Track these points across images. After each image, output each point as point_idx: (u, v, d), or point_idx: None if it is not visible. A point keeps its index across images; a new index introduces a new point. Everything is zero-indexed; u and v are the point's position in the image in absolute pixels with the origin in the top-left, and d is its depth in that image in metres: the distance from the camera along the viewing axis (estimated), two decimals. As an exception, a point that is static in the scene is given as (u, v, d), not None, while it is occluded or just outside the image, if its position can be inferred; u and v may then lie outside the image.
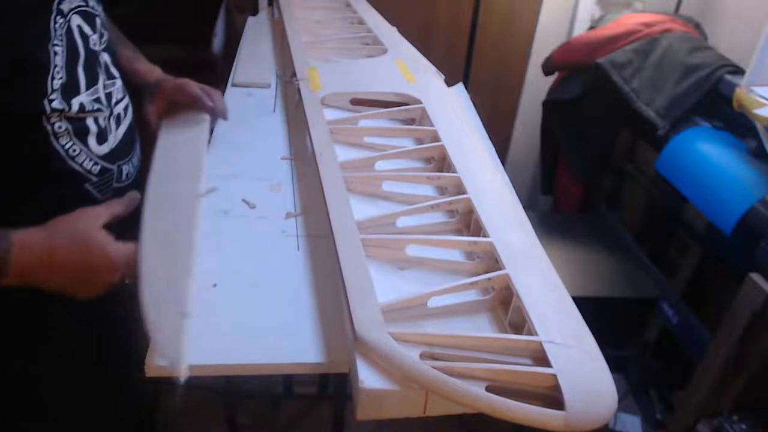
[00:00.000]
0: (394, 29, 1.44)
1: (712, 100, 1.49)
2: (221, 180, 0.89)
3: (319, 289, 0.71)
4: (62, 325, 0.82)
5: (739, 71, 1.47)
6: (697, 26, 1.77)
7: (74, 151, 0.76)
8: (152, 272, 0.65)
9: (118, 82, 0.86)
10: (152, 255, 0.67)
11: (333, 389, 1.80)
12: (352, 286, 0.63)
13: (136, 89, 0.95)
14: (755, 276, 1.14)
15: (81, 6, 0.76)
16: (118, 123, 0.84)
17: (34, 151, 0.72)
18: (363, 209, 0.78)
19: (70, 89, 0.73)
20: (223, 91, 1.21)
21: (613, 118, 1.80)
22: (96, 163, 0.79)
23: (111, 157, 0.82)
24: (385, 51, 1.28)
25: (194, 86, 0.97)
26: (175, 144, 0.91)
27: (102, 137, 0.80)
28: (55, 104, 0.70)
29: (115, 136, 0.83)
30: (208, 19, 1.99)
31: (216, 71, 1.93)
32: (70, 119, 0.73)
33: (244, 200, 0.86)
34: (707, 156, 1.40)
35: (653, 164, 1.55)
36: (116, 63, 0.87)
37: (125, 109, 0.88)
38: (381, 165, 0.89)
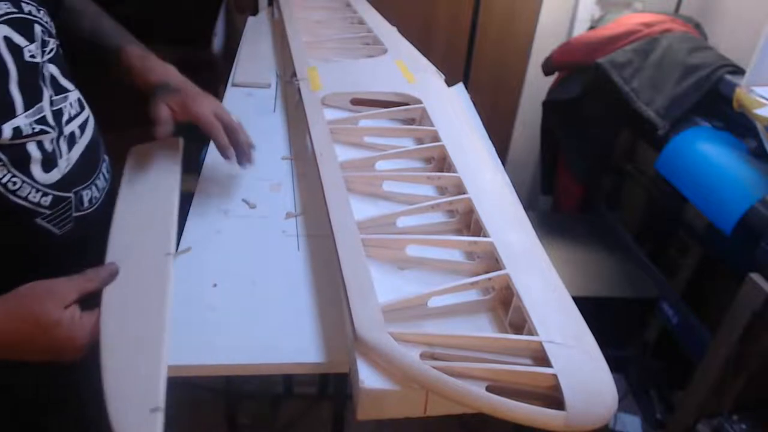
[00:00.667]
0: (394, 29, 1.44)
1: (712, 100, 1.50)
2: (221, 180, 0.89)
3: (319, 289, 0.71)
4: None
5: (739, 71, 1.47)
6: (697, 26, 1.77)
7: (14, 184, 0.65)
8: (114, 356, 0.57)
9: (72, 96, 0.76)
10: (114, 334, 0.59)
11: (333, 389, 1.80)
12: (352, 286, 0.63)
13: (142, 90, 0.86)
14: (755, 276, 1.14)
15: (11, 13, 0.65)
16: (71, 144, 0.74)
17: None
18: (363, 209, 0.78)
19: (0, 113, 0.63)
20: (223, 91, 1.22)
21: (613, 118, 1.80)
22: (45, 194, 0.69)
23: (64, 184, 0.71)
24: (385, 51, 1.28)
25: (206, 113, 0.82)
26: (145, 185, 0.80)
27: (49, 163, 0.69)
28: None
29: (68, 160, 0.73)
30: (208, 19, 1.99)
31: (216, 71, 1.93)
32: (3, 148, 0.63)
33: (244, 200, 0.86)
34: (707, 156, 1.40)
35: (653, 164, 1.55)
36: (69, 73, 0.77)
37: (82, 125, 0.77)
38: (381, 165, 0.89)
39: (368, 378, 0.54)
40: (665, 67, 1.57)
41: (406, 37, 1.39)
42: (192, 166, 0.95)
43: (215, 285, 0.70)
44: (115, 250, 0.69)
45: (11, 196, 0.65)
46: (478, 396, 0.52)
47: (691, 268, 1.63)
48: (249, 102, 1.17)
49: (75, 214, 0.74)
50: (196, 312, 0.66)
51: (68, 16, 0.86)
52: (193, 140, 0.97)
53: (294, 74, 1.13)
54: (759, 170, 1.30)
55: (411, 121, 1.05)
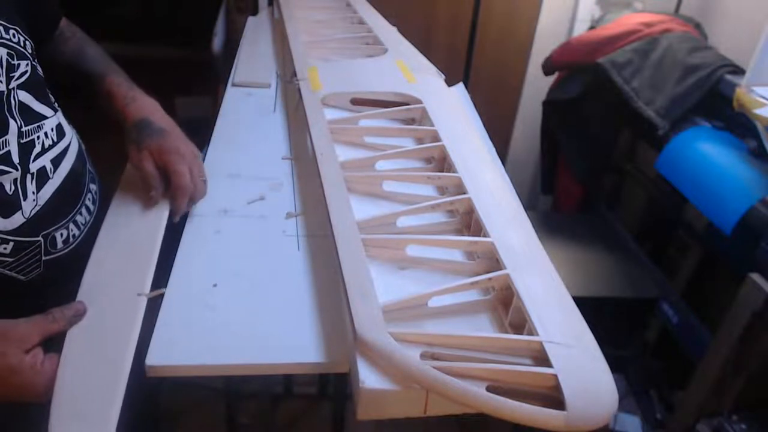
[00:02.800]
0: (394, 29, 1.44)
1: (712, 100, 1.50)
2: (221, 180, 0.89)
3: (319, 289, 0.71)
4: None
5: (739, 71, 1.47)
6: (697, 26, 1.77)
7: None
8: (65, 401, 0.54)
9: (49, 123, 0.68)
10: (69, 383, 0.55)
11: (333, 389, 1.80)
12: (352, 286, 0.63)
13: (119, 121, 0.79)
14: (755, 276, 1.14)
15: None
16: (42, 181, 0.66)
17: None
18: (363, 209, 0.78)
19: None
20: (223, 91, 1.22)
21: (613, 118, 1.80)
22: (5, 242, 0.62)
23: (30, 228, 0.65)
24: (385, 51, 1.28)
25: (185, 174, 0.75)
26: (129, 220, 0.75)
27: (9, 208, 0.62)
28: None
29: (36, 201, 0.65)
30: (208, 19, 2.00)
31: (216, 71, 1.93)
32: None
33: (249, 203, 0.84)
34: (707, 156, 1.40)
35: (653, 164, 1.55)
36: (48, 97, 0.71)
37: (57, 158, 0.69)
38: (381, 165, 0.89)
39: (368, 378, 0.54)
40: (665, 67, 1.57)
41: (406, 37, 1.39)
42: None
43: (215, 285, 0.70)
44: (88, 286, 0.65)
45: None
46: (478, 396, 0.52)
47: (691, 268, 1.63)
48: (249, 102, 1.17)
49: (45, 258, 0.67)
50: (196, 312, 0.67)
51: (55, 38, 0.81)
52: (193, 140, 0.97)
53: (294, 74, 1.13)
54: (759, 170, 1.30)
55: (411, 121, 1.05)
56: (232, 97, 1.18)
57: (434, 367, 0.54)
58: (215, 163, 0.94)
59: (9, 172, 0.61)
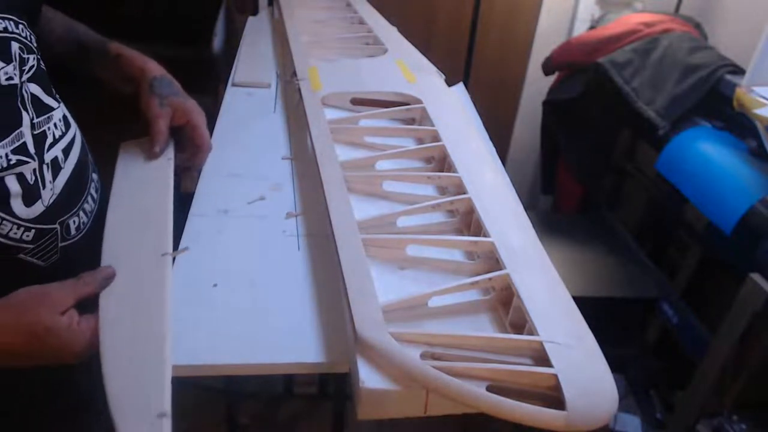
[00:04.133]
0: (394, 29, 1.44)
1: (713, 100, 1.50)
2: (221, 180, 0.89)
3: (319, 289, 0.71)
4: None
5: (739, 71, 1.47)
6: (697, 26, 1.77)
7: None
8: (116, 363, 0.55)
9: (57, 113, 0.71)
10: (114, 339, 0.57)
11: (333, 389, 1.80)
12: (352, 286, 0.63)
13: (131, 78, 0.82)
14: (755, 276, 1.14)
15: None
16: (56, 171, 0.69)
17: None
18: (363, 209, 0.78)
19: None
20: (223, 91, 1.21)
21: (613, 118, 1.80)
22: (28, 229, 0.64)
23: (49, 216, 0.67)
24: (385, 51, 1.28)
25: (206, 132, 0.84)
26: (137, 183, 0.77)
27: (31, 197, 0.64)
28: None
29: (53, 189, 0.68)
30: (208, 19, 2.00)
31: (216, 71, 1.93)
32: None
33: (249, 203, 0.84)
34: (707, 156, 1.40)
35: (653, 164, 1.55)
36: (52, 89, 0.73)
37: (67, 148, 0.72)
38: (381, 165, 0.89)
39: (368, 378, 0.54)
40: (665, 66, 1.57)
41: (406, 37, 1.39)
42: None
43: (215, 285, 0.70)
44: (110, 252, 0.66)
45: None
46: (479, 396, 0.52)
47: (691, 268, 1.63)
48: (249, 102, 1.17)
49: (61, 245, 0.70)
50: (196, 312, 0.66)
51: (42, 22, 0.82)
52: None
53: (294, 74, 1.13)
54: (759, 170, 1.30)
55: (411, 121, 1.05)
56: (232, 97, 1.18)
57: (434, 367, 0.54)
58: (215, 163, 0.94)
59: (27, 162, 0.63)
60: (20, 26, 0.66)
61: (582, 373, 0.55)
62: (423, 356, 0.57)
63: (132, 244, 0.68)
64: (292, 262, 0.75)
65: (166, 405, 0.53)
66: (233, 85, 1.22)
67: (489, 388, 0.53)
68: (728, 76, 1.47)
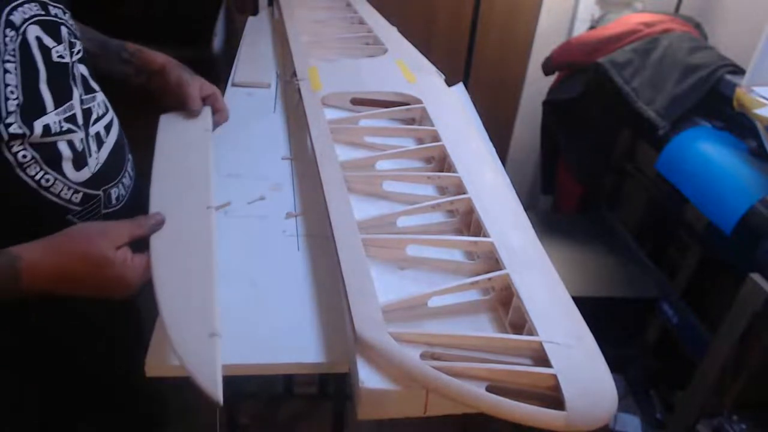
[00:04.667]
0: (394, 29, 1.44)
1: (713, 100, 1.49)
2: (221, 180, 0.89)
3: (319, 289, 0.71)
4: (71, 322, 0.80)
5: (739, 71, 1.47)
6: (697, 26, 1.77)
7: (47, 181, 0.68)
8: (169, 290, 0.61)
9: (99, 96, 0.80)
10: (166, 271, 0.64)
11: (333, 389, 1.80)
12: (352, 286, 0.63)
13: (151, 68, 0.93)
14: (755, 276, 1.14)
15: (39, 15, 0.68)
16: (99, 143, 0.77)
17: (0, 185, 0.65)
18: (363, 209, 0.78)
19: (30, 110, 0.65)
20: (223, 91, 1.21)
21: (613, 118, 1.80)
22: (76, 192, 0.72)
23: (94, 182, 0.74)
24: (385, 51, 1.28)
25: (222, 99, 0.99)
26: (178, 145, 0.86)
27: (80, 162, 0.72)
28: (13, 129, 0.63)
29: (98, 159, 0.76)
30: (208, 19, 2.00)
31: (216, 71, 1.93)
32: (36, 146, 0.66)
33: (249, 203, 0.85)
34: (707, 156, 1.40)
35: (653, 164, 1.55)
36: (96, 75, 0.81)
37: (108, 126, 0.80)
38: (381, 165, 0.89)
39: (368, 378, 0.54)
40: (665, 66, 1.57)
41: (406, 37, 1.39)
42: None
43: (215, 285, 0.70)
44: (158, 201, 0.73)
45: (44, 193, 0.68)
46: (479, 396, 0.52)
47: (691, 268, 1.63)
48: (249, 102, 1.17)
49: (103, 212, 0.77)
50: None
51: None
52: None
53: (294, 74, 1.13)
54: (759, 170, 1.29)
55: (411, 121, 1.05)
56: (232, 97, 1.18)
57: (434, 367, 0.54)
58: (215, 163, 0.94)
59: (76, 132, 0.71)
60: (67, 15, 0.74)
61: (581, 373, 0.55)
62: (423, 356, 0.57)
63: (177, 198, 0.74)
64: (292, 262, 0.75)
65: (217, 326, 0.58)
66: (233, 85, 1.22)
67: (489, 388, 0.53)
68: (728, 76, 1.47)
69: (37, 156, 0.67)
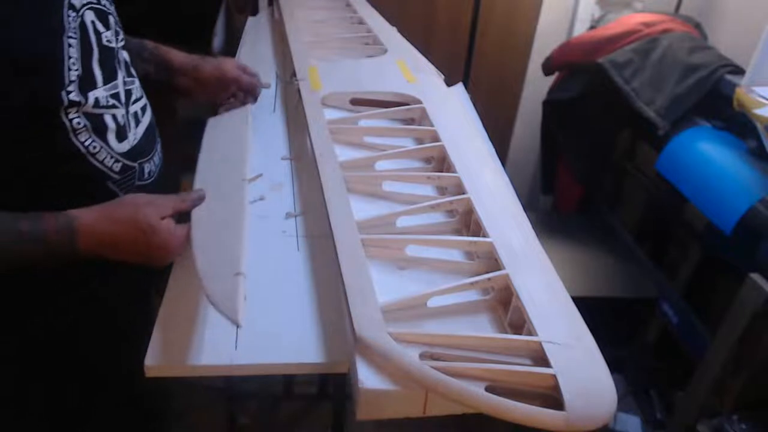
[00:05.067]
0: (394, 29, 1.44)
1: (713, 100, 1.49)
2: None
3: (319, 289, 0.71)
4: (84, 316, 0.85)
5: (739, 71, 1.47)
6: (697, 26, 1.77)
7: (94, 147, 0.76)
8: (202, 236, 0.70)
9: (136, 82, 0.87)
10: (203, 232, 0.72)
11: (333, 389, 1.80)
12: (352, 286, 0.63)
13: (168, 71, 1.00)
14: (755, 276, 1.14)
15: (93, 3, 0.77)
16: (137, 121, 0.84)
17: (55, 147, 0.72)
18: (363, 209, 0.78)
19: (86, 83, 0.73)
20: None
21: (613, 118, 1.80)
22: (117, 161, 0.79)
23: (132, 155, 0.82)
24: (385, 51, 1.28)
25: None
26: (222, 130, 0.96)
27: (121, 134, 0.80)
28: (72, 96, 0.71)
29: (135, 134, 0.83)
30: (208, 19, 1.99)
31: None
32: (87, 115, 0.74)
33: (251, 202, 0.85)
34: (707, 156, 1.40)
35: (653, 164, 1.55)
36: (134, 64, 0.88)
37: (143, 108, 0.88)
38: (381, 165, 0.89)
39: (368, 378, 0.54)
40: (665, 67, 1.57)
41: (406, 37, 1.39)
42: (192, 166, 0.96)
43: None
44: (203, 170, 0.84)
45: (91, 159, 0.75)
46: (478, 396, 0.52)
47: (691, 268, 1.63)
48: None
49: (137, 183, 0.83)
50: (195, 312, 0.67)
51: None
52: (193, 140, 0.97)
53: (294, 74, 1.13)
54: (759, 170, 1.29)
55: (411, 121, 1.05)
56: (231, 97, 1.18)
57: (433, 367, 0.54)
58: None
59: (119, 108, 0.79)
60: (112, 6, 0.83)
61: (581, 374, 0.55)
62: (422, 356, 0.57)
63: (219, 172, 0.84)
64: (291, 262, 0.76)
65: (242, 269, 0.64)
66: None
67: (488, 389, 0.54)
68: (728, 76, 1.47)
69: (88, 124, 0.74)
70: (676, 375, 1.63)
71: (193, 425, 1.66)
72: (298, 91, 1.08)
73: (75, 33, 0.72)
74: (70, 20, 0.71)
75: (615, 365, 1.63)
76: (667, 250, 1.79)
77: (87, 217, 0.68)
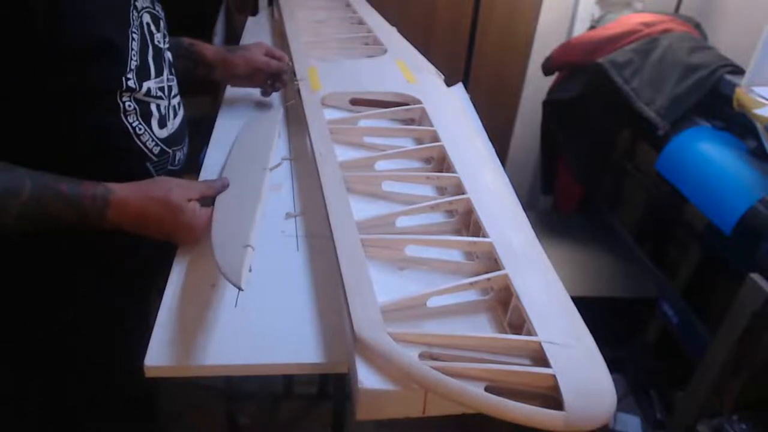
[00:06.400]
0: (394, 29, 1.44)
1: (713, 100, 1.49)
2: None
3: (319, 289, 0.71)
4: (89, 310, 0.88)
5: (739, 71, 1.47)
6: (697, 26, 1.77)
7: (140, 129, 0.83)
8: (221, 224, 0.75)
9: (176, 80, 0.95)
10: (223, 212, 0.78)
11: (333, 389, 1.80)
12: (351, 286, 0.63)
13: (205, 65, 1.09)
14: (755, 276, 1.14)
15: (149, 8, 0.86)
16: (174, 114, 0.92)
17: (107, 124, 0.79)
18: (363, 209, 0.78)
19: (142, 73, 0.81)
20: (223, 91, 1.22)
21: (613, 118, 1.80)
22: (156, 145, 0.86)
23: (168, 141, 0.89)
24: (385, 51, 1.28)
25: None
26: (254, 132, 1.03)
27: (162, 122, 0.87)
28: (130, 83, 0.78)
29: (173, 124, 0.90)
30: (208, 19, 1.99)
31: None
32: (138, 101, 0.81)
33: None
34: (707, 156, 1.40)
35: (653, 164, 1.55)
36: (174, 62, 0.96)
37: (179, 104, 0.95)
38: (381, 165, 0.89)
39: (367, 378, 0.54)
40: (665, 67, 1.57)
41: (406, 37, 1.39)
42: (192, 166, 0.96)
43: (213, 285, 0.70)
44: (231, 165, 0.91)
45: (136, 139, 0.83)
46: (477, 396, 0.52)
47: (691, 268, 1.63)
48: (249, 102, 1.17)
49: (169, 168, 0.90)
50: (195, 312, 0.67)
51: None
52: (193, 140, 0.98)
53: (294, 74, 1.13)
54: (759, 170, 1.29)
55: (410, 121, 1.05)
56: (232, 96, 1.18)
57: (433, 368, 0.54)
58: (215, 163, 0.94)
59: (163, 99, 0.87)
60: (162, 13, 0.92)
61: (580, 374, 0.55)
62: (422, 356, 0.57)
63: (245, 162, 0.91)
64: (291, 262, 0.76)
65: (251, 242, 0.70)
66: (233, 85, 1.22)
67: (487, 389, 0.53)
68: (728, 76, 1.47)
69: (137, 109, 0.81)
70: (676, 375, 1.63)
71: (193, 425, 1.66)
72: (298, 91, 1.08)
73: (137, 30, 0.81)
74: (134, 18, 0.81)
75: (615, 365, 1.64)
76: (667, 250, 1.79)
77: (122, 191, 0.73)
